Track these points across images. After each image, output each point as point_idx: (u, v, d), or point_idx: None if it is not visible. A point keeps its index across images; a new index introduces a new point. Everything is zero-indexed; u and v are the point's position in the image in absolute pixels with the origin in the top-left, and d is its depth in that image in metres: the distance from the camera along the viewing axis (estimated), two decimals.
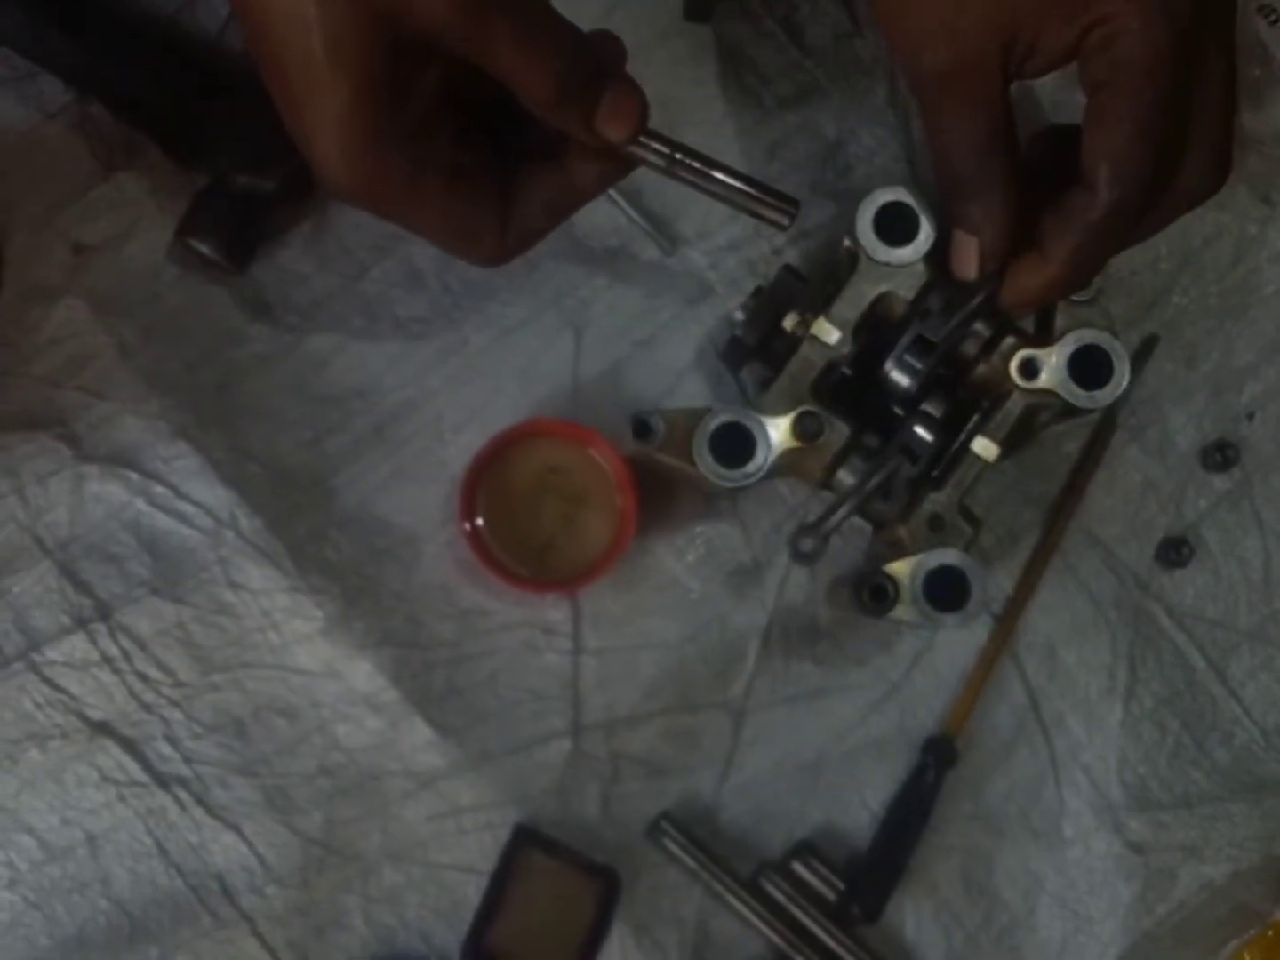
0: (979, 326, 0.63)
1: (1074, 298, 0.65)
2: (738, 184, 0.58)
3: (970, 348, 0.66)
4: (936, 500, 0.65)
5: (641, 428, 0.63)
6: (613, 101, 0.53)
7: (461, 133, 0.55)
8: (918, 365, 0.63)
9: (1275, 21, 0.77)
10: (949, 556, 0.64)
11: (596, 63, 0.53)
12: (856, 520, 0.71)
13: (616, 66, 0.55)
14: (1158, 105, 0.55)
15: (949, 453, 0.66)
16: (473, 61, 0.50)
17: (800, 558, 0.64)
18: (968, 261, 0.60)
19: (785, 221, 0.58)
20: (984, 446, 0.65)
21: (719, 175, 0.57)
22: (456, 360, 0.73)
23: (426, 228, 0.55)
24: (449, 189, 0.54)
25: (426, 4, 0.48)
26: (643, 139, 0.55)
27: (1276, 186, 0.79)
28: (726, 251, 0.75)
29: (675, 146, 0.56)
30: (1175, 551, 0.76)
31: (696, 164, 0.57)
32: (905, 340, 0.63)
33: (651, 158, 0.56)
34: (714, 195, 0.58)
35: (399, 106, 0.51)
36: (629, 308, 0.74)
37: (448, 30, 0.49)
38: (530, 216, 0.57)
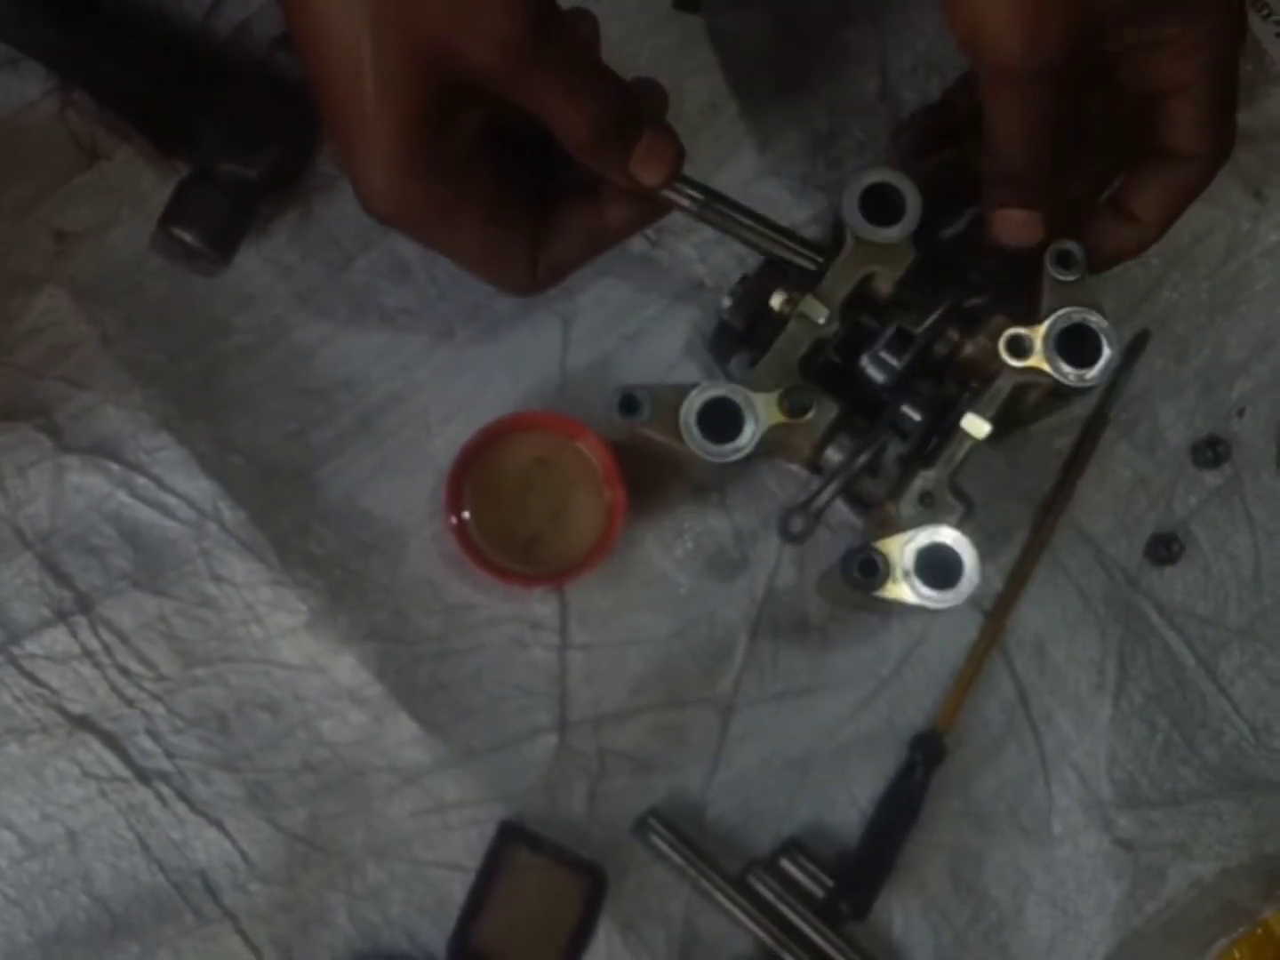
0: (950, 331, 0.65)
1: (1060, 278, 0.65)
2: (767, 232, 0.63)
3: (945, 343, 0.67)
4: (927, 477, 0.65)
5: (628, 403, 0.63)
6: (648, 147, 0.56)
7: (500, 164, 0.57)
8: (894, 362, 0.64)
9: (1269, 16, 0.76)
10: (940, 533, 0.63)
11: (635, 108, 0.56)
12: (847, 517, 0.71)
13: (656, 112, 0.58)
14: (1228, 75, 0.62)
15: (938, 430, 0.66)
16: (516, 104, 0.53)
17: (790, 538, 0.64)
18: (1023, 231, 0.63)
19: (812, 269, 0.63)
20: (973, 423, 0.65)
21: (749, 223, 0.63)
22: (443, 352, 0.73)
23: (460, 254, 0.58)
24: (484, 218, 0.56)
25: (477, 52, 0.50)
26: (677, 184, 0.59)
27: (1269, 182, 0.79)
28: (715, 244, 0.74)
29: (708, 193, 0.60)
30: (1165, 548, 0.76)
31: (728, 212, 0.62)
32: (886, 334, 0.64)
33: (684, 202, 0.60)
34: (743, 241, 0.63)
35: (442, 140, 0.53)
36: (617, 300, 0.74)
37: (495, 76, 0.51)
38: (562, 250, 0.59)
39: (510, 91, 0.52)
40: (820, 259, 0.62)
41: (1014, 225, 0.62)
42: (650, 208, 0.60)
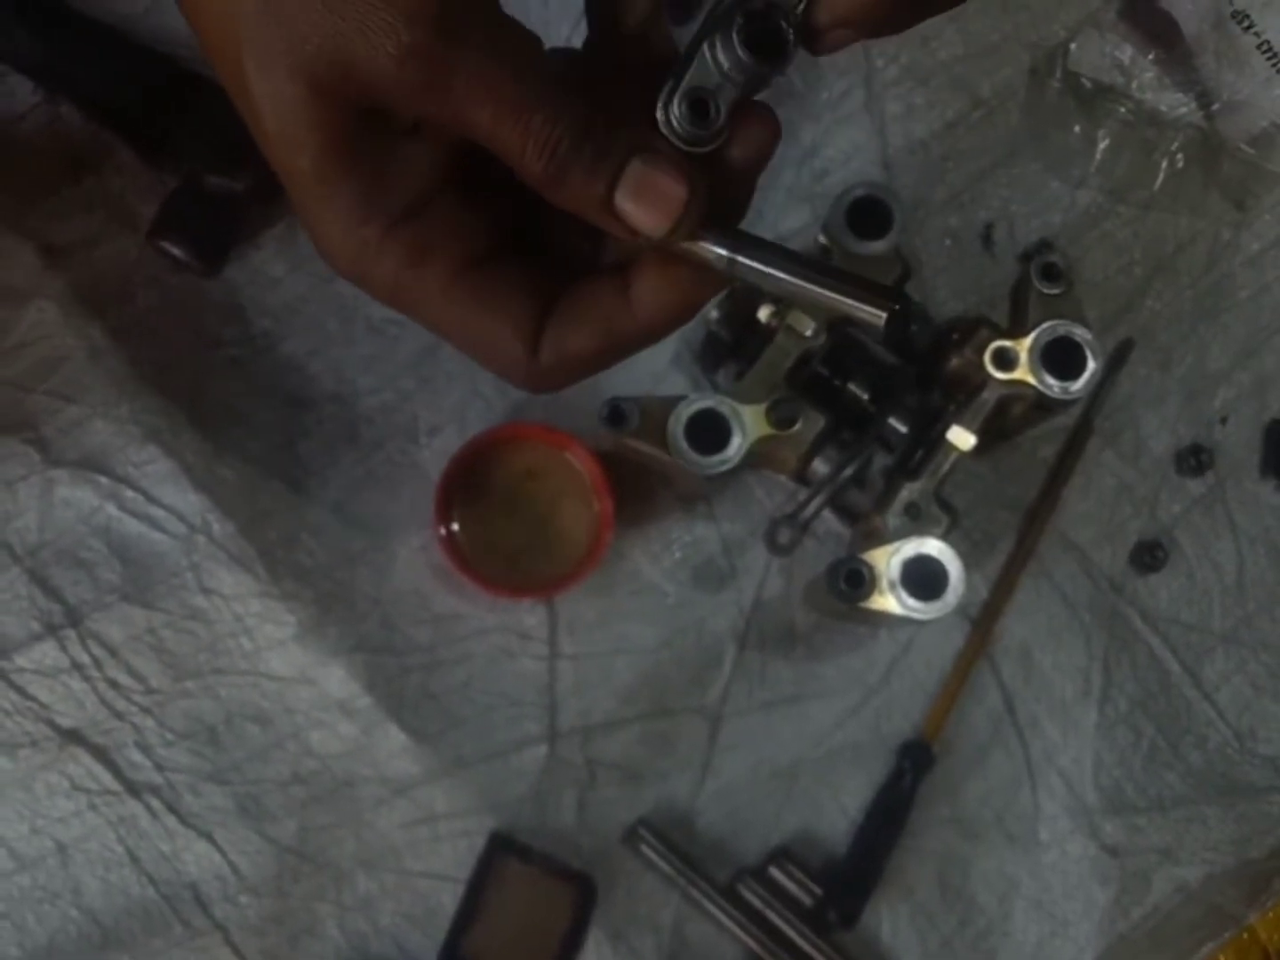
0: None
1: (1046, 291, 0.66)
2: (830, 284, 0.43)
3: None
4: (913, 489, 0.65)
5: (616, 414, 0.63)
6: (640, 175, 0.42)
7: (496, 224, 0.46)
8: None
9: (1249, 28, 0.77)
10: (926, 544, 0.64)
11: (611, 124, 0.42)
12: (834, 526, 0.71)
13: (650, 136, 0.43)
14: None
15: (925, 442, 0.66)
16: (451, 129, 0.42)
17: (777, 549, 0.64)
18: None
19: (880, 318, 0.42)
20: (959, 435, 0.65)
21: (804, 277, 0.43)
22: (432, 363, 0.73)
23: (436, 325, 0.47)
24: (460, 270, 0.45)
25: (373, 66, 0.40)
26: (702, 234, 0.42)
27: (1250, 192, 0.79)
28: None
29: (742, 241, 0.43)
30: (1149, 555, 0.76)
31: (773, 264, 0.43)
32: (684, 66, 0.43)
33: (710, 256, 0.43)
34: (796, 300, 0.46)
35: (384, 180, 0.44)
36: None
37: (404, 94, 0.41)
38: (573, 335, 0.45)
39: (433, 113, 0.42)
40: (893, 304, 0.42)
41: None
42: (692, 284, 0.44)
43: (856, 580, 0.63)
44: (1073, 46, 0.78)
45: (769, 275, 0.42)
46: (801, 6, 0.42)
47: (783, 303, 0.65)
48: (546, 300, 0.45)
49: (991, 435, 0.67)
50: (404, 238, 0.44)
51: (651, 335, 0.46)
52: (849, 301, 0.43)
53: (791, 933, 0.71)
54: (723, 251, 0.42)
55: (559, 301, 0.46)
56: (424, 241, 0.44)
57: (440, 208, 0.45)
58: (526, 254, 0.46)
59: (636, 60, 0.45)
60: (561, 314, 0.45)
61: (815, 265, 0.43)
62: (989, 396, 0.66)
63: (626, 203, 0.42)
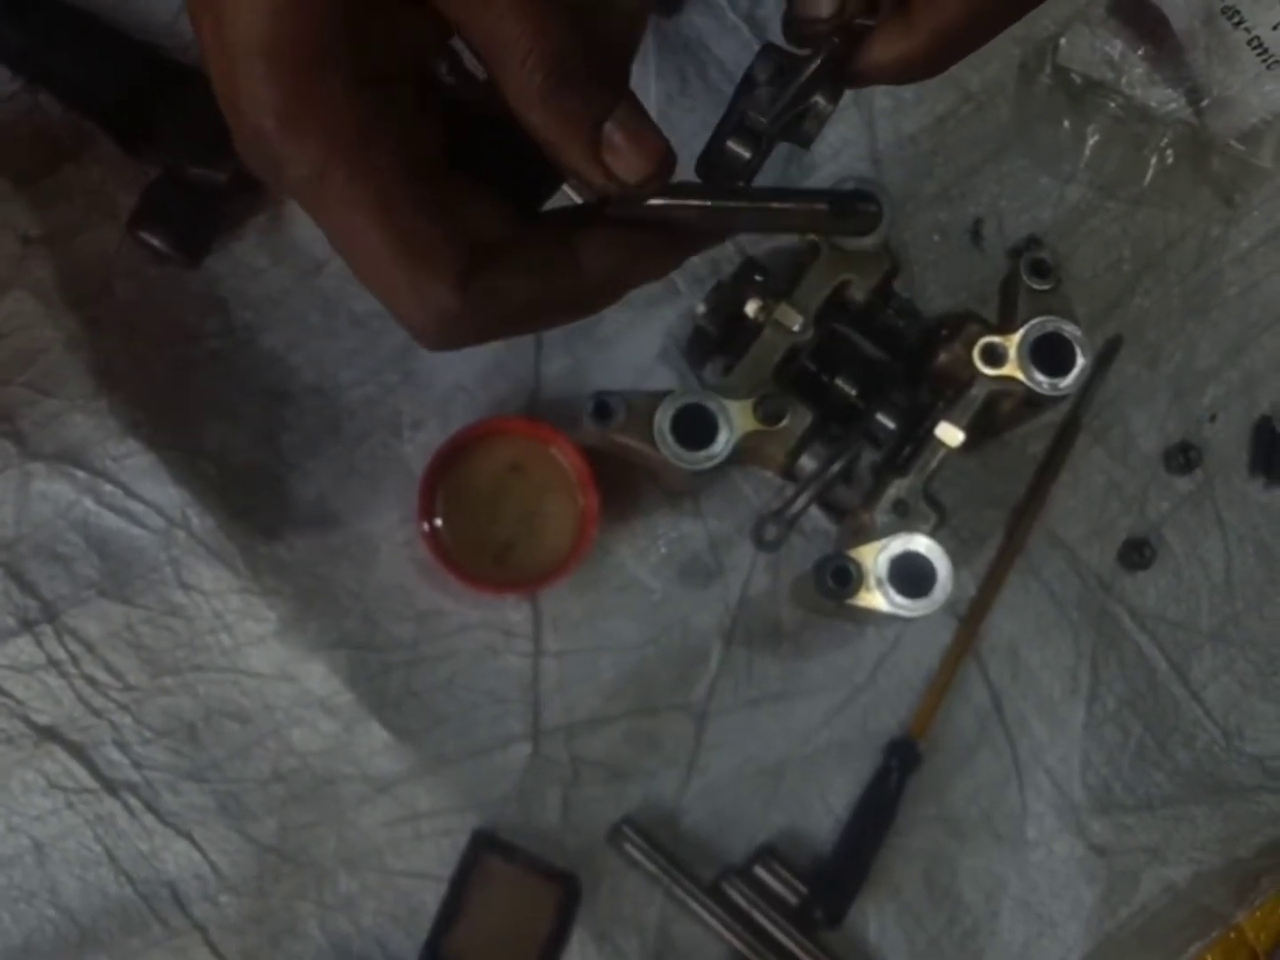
0: (819, 101, 0.48)
1: (1035, 287, 0.65)
2: (804, 205, 0.47)
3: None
4: (901, 485, 0.65)
5: (602, 409, 0.62)
6: (625, 123, 0.39)
7: (445, 147, 0.41)
8: (745, 155, 0.48)
9: (1239, 24, 0.77)
10: (914, 541, 0.63)
11: (608, 67, 0.40)
12: (822, 523, 0.70)
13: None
14: None
15: (913, 439, 0.66)
16: (452, 11, 0.38)
17: (763, 545, 0.63)
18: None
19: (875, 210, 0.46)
20: (947, 432, 0.65)
21: (781, 205, 0.46)
22: (415, 357, 0.72)
23: (364, 219, 0.39)
24: (402, 182, 0.39)
25: None
26: (671, 191, 0.42)
27: (1239, 188, 0.79)
28: None
29: (715, 191, 0.45)
30: (1138, 553, 0.76)
31: (748, 203, 0.45)
32: (728, 123, 0.47)
33: (691, 211, 0.43)
34: (780, 228, 0.48)
35: (346, 35, 0.38)
36: None
37: None
38: (507, 276, 0.40)
39: None
40: (873, 207, 0.47)
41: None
42: (639, 256, 0.43)
43: (844, 577, 0.63)
44: (1062, 42, 0.78)
45: (711, 209, 0.44)
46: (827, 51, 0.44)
47: (770, 297, 0.65)
48: (484, 239, 0.40)
49: (980, 432, 0.66)
50: (356, 103, 0.38)
51: (591, 296, 0.42)
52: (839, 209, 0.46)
53: (777, 932, 0.70)
54: (703, 199, 0.43)
55: (497, 243, 0.40)
56: (381, 117, 0.38)
57: (404, 96, 0.39)
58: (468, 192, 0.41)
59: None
60: (499, 255, 0.40)
61: (788, 192, 0.47)
62: (977, 393, 0.65)
63: (613, 148, 0.39)
